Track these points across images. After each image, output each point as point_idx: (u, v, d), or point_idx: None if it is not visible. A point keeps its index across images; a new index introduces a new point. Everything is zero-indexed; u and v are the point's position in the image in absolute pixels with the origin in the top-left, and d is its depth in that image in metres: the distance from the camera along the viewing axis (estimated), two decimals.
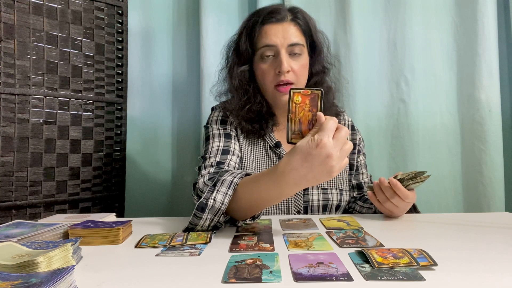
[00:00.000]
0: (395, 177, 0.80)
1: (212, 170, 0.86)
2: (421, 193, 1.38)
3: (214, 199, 0.71)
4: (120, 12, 1.40)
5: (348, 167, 1.05)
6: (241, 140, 0.98)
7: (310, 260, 0.53)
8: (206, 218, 0.71)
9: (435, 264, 0.50)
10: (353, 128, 1.10)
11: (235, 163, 0.92)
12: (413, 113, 1.39)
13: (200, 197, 0.77)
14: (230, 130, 0.98)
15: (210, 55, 1.45)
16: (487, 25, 1.31)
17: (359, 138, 1.09)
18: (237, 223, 0.76)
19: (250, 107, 0.95)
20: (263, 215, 0.95)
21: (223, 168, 0.87)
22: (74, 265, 0.47)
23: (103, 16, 1.36)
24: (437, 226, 0.77)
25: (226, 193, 0.71)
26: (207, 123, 1.02)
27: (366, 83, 1.42)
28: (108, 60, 1.37)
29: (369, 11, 1.43)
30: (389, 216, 0.86)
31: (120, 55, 1.40)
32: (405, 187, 0.79)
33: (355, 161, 1.06)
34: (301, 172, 0.61)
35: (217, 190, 0.72)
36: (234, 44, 1.00)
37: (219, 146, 0.93)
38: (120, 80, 1.40)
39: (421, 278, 0.46)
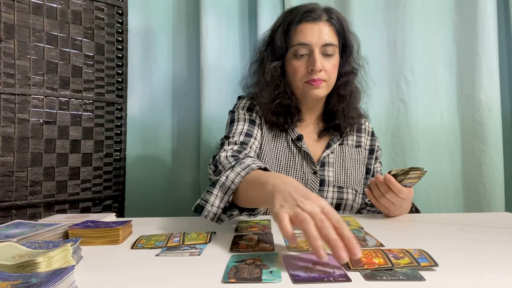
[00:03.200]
0: (389, 173, 0.81)
1: (235, 147, 0.89)
2: (421, 193, 1.38)
3: (226, 177, 0.73)
4: (120, 12, 1.40)
5: (364, 170, 1.06)
6: (264, 129, 1.00)
7: (306, 261, 0.53)
8: (217, 195, 0.72)
9: (436, 264, 0.50)
10: (373, 135, 1.11)
11: (256, 147, 0.95)
12: (413, 113, 1.39)
13: (216, 167, 0.83)
14: (255, 117, 1.00)
15: (210, 55, 1.45)
16: (487, 25, 1.31)
17: (378, 146, 1.10)
18: (233, 211, 0.75)
19: (280, 101, 0.97)
20: (264, 214, 0.96)
21: (246, 149, 0.91)
22: (74, 265, 0.47)
23: (103, 16, 1.35)
24: (437, 226, 0.77)
25: (239, 174, 0.72)
26: (233, 109, 1.05)
27: (366, 83, 1.42)
28: (108, 60, 1.37)
29: (369, 11, 1.43)
30: (388, 215, 0.86)
31: (120, 55, 1.40)
32: (399, 182, 0.80)
33: (372, 166, 1.07)
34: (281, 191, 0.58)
35: (233, 169, 0.74)
36: (268, 40, 1.01)
37: (243, 129, 0.96)
38: (120, 80, 1.40)
39: (421, 278, 0.46)
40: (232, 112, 1.04)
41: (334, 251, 0.48)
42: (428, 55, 1.40)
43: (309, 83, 0.94)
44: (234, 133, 0.95)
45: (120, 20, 1.40)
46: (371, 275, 0.47)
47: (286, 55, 0.97)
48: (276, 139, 1.01)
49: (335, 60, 0.96)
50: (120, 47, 1.40)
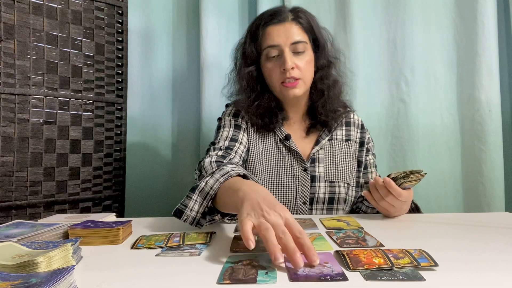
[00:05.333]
0: (388, 176, 0.81)
1: (220, 153, 0.93)
2: (421, 193, 1.38)
3: (206, 182, 0.74)
4: (120, 12, 1.40)
5: (356, 163, 1.07)
6: (250, 133, 1.03)
7: (305, 260, 0.53)
8: (196, 200, 0.74)
9: (436, 264, 0.50)
10: (362, 127, 1.11)
11: (242, 152, 0.98)
12: (413, 113, 1.40)
13: (201, 172, 0.85)
14: (241, 122, 1.03)
15: (210, 55, 1.45)
16: (487, 25, 1.31)
17: (368, 138, 1.11)
18: (214, 216, 0.75)
19: (259, 103, 1.00)
20: None
21: (230, 154, 0.94)
22: (74, 265, 0.47)
23: (103, 16, 1.35)
24: (437, 226, 0.77)
25: (218, 180, 0.74)
26: (222, 115, 1.08)
27: (366, 83, 1.42)
28: (108, 60, 1.37)
29: (369, 11, 1.43)
30: (388, 216, 0.86)
31: (120, 55, 1.40)
32: (399, 186, 0.80)
33: (363, 159, 1.07)
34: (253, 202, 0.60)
35: (213, 175, 0.76)
36: (241, 48, 1.04)
37: (228, 134, 1.00)
38: (120, 80, 1.40)
39: (421, 278, 0.46)
40: (219, 119, 1.08)
41: (291, 258, 0.50)
42: (428, 55, 1.40)
43: (284, 85, 0.96)
44: (219, 138, 0.99)
45: (120, 20, 1.40)
46: (371, 275, 0.47)
47: (260, 59, 1.00)
48: (264, 140, 1.03)
49: (307, 56, 0.97)
50: (120, 47, 1.40)
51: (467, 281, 0.46)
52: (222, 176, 0.74)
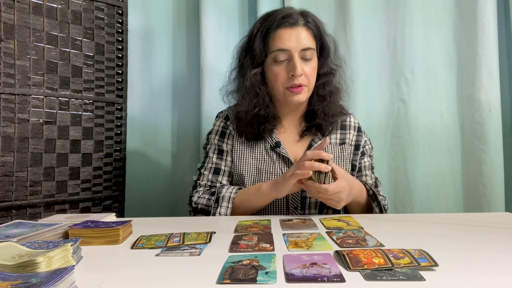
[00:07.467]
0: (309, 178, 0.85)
1: (206, 189, 1.03)
2: (421, 193, 1.38)
3: (219, 213, 0.93)
4: (120, 12, 1.40)
5: (350, 167, 1.06)
6: (237, 146, 1.04)
7: (304, 260, 0.53)
8: (227, 207, 0.93)
9: (436, 264, 0.50)
10: (359, 130, 1.10)
11: (227, 179, 1.05)
12: (413, 113, 1.39)
13: (192, 207, 1.00)
14: (226, 143, 1.05)
15: (210, 55, 1.45)
16: (487, 25, 1.31)
17: (365, 141, 1.10)
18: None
19: (258, 110, 0.98)
20: (263, 214, 0.98)
21: (214, 187, 1.02)
22: (74, 265, 0.47)
23: (103, 16, 1.35)
24: (437, 226, 0.77)
25: (227, 207, 0.93)
26: (210, 132, 1.09)
27: (366, 83, 1.42)
28: (108, 60, 1.37)
29: (369, 11, 1.43)
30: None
31: (120, 55, 1.40)
32: (323, 183, 0.82)
33: (358, 162, 1.06)
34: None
35: (220, 206, 0.93)
36: (247, 47, 1.01)
37: (212, 164, 1.05)
38: (120, 80, 1.40)
39: (421, 278, 0.46)
40: (207, 136, 1.09)
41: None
42: (428, 55, 1.40)
43: (290, 90, 0.95)
44: (204, 169, 1.04)
45: (120, 20, 1.40)
46: (371, 275, 0.47)
47: (266, 61, 0.98)
48: (255, 148, 1.03)
49: (314, 63, 0.97)
50: (120, 47, 1.40)
51: (467, 281, 0.46)
52: (228, 202, 0.94)
